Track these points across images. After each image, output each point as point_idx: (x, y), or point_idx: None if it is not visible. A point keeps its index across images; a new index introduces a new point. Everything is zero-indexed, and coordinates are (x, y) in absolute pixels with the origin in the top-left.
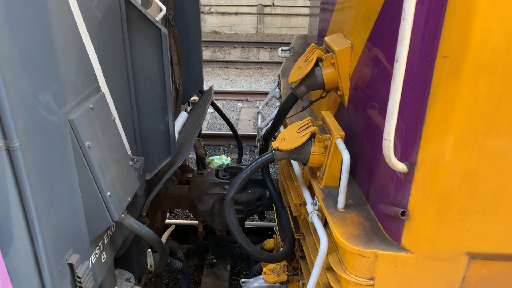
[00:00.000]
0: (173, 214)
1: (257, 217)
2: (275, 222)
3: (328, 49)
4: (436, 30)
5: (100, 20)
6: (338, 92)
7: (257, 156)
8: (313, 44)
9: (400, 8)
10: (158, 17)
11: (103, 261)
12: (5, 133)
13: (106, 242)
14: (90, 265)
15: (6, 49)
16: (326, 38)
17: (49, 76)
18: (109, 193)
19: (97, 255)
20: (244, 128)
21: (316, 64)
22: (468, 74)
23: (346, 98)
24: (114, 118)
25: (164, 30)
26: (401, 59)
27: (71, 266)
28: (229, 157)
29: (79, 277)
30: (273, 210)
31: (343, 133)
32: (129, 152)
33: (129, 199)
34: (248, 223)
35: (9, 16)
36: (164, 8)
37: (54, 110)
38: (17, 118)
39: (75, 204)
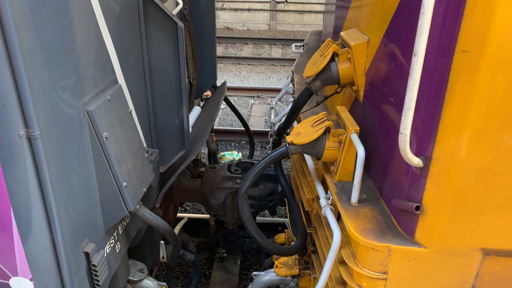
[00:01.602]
0: (183, 209)
1: (268, 212)
2: (285, 218)
3: (344, 44)
4: (455, 24)
5: (118, 14)
6: (354, 88)
7: (269, 151)
8: (329, 39)
9: (418, 3)
10: (175, 11)
11: (117, 251)
12: (26, 121)
13: (120, 232)
14: (105, 254)
15: (28, 41)
16: (342, 33)
17: (68, 68)
18: (125, 183)
19: (111, 245)
20: (256, 124)
21: (332, 59)
22: (487, 69)
23: (362, 93)
24: (131, 110)
25: (180, 24)
26: (419, 53)
27: (87, 254)
28: (240, 153)
29: (94, 266)
30: (285, 206)
31: (358, 128)
32: (144, 144)
33: (144, 190)
34: (259, 218)
35: (32, 9)
36: (180, 2)
37: (73, 101)
38: (38, 107)
39: (91, 194)
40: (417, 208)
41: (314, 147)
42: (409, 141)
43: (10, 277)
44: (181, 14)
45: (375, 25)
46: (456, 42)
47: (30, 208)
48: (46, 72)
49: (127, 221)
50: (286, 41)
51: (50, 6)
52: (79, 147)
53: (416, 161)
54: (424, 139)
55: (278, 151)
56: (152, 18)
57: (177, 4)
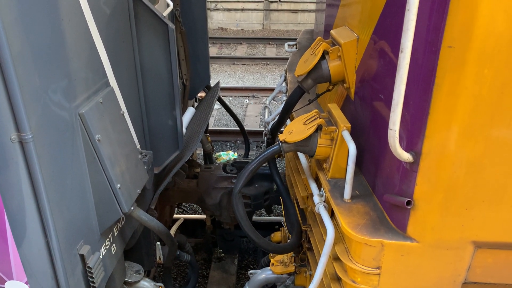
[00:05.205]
0: (180, 210)
1: (264, 211)
2: (281, 216)
3: (334, 42)
4: (440, 20)
5: (109, 16)
6: (344, 85)
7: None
8: (319, 37)
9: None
10: (165, 12)
11: (113, 252)
12: (18, 125)
13: (116, 234)
14: (101, 256)
15: (18, 44)
16: (332, 31)
17: (60, 71)
18: (118, 185)
19: (107, 247)
20: (251, 124)
21: (323, 57)
22: (473, 64)
23: (352, 90)
24: (123, 112)
25: (171, 25)
26: (406, 49)
27: (82, 256)
28: (236, 153)
29: (90, 268)
30: (280, 204)
31: (349, 125)
32: (138, 146)
33: (139, 191)
34: (255, 217)
35: (21, 13)
36: (171, 3)
37: (64, 104)
38: (29, 111)
39: (85, 196)
40: (408, 203)
41: (306, 145)
42: (398, 137)
43: (6, 281)
44: (172, 15)
45: (364, 23)
46: (442, 38)
47: (24, 211)
48: (37, 75)
49: (122, 223)
50: (280, 41)
51: (40, 9)
52: (72, 150)
53: (406, 156)
54: (413, 134)
55: (271, 149)
56: (142, 20)
57: (168, 5)
